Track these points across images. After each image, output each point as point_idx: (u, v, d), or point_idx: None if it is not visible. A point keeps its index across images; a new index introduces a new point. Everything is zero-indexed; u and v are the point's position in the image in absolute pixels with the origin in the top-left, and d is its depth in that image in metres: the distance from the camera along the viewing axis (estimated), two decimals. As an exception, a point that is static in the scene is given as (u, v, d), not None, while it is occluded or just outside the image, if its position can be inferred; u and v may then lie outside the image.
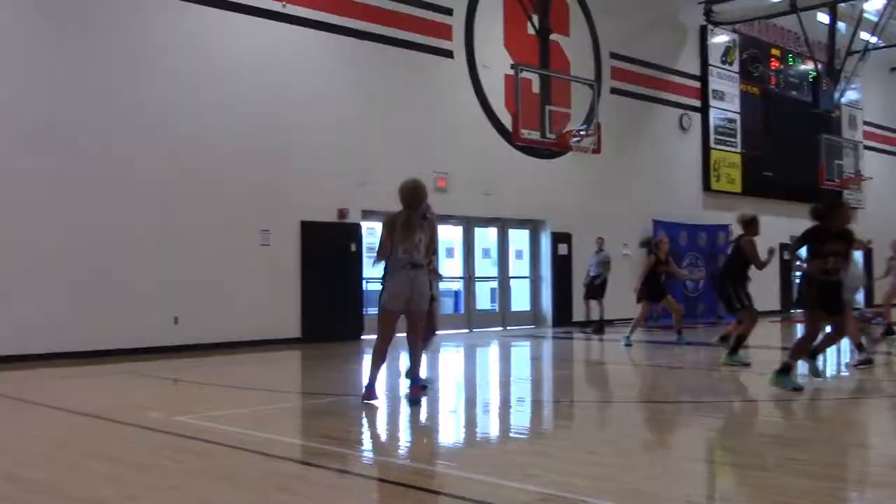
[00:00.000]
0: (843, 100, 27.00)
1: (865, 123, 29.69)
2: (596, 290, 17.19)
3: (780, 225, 25.41)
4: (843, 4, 24.59)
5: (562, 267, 18.97)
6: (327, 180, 15.36)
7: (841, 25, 25.92)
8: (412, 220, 7.61)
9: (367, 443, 6.76)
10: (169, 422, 6.99)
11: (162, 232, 13.47)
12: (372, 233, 16.67)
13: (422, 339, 8.06)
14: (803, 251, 9.04)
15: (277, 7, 14.91)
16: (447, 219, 17.66)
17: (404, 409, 8.06)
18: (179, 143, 13.73)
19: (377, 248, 7.93)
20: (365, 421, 7.66)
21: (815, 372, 9.30)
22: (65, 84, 12.67)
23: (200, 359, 12.46)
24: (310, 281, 15.09)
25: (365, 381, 8.12)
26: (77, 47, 12.88)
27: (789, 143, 25.14)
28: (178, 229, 13.59)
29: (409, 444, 6.62)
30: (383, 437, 7.05)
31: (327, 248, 15.28)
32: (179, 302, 13.46)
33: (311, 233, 15.15)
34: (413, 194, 7.73)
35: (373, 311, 16.41)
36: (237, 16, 14.48)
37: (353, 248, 15.79)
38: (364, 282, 16.13)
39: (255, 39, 14.70)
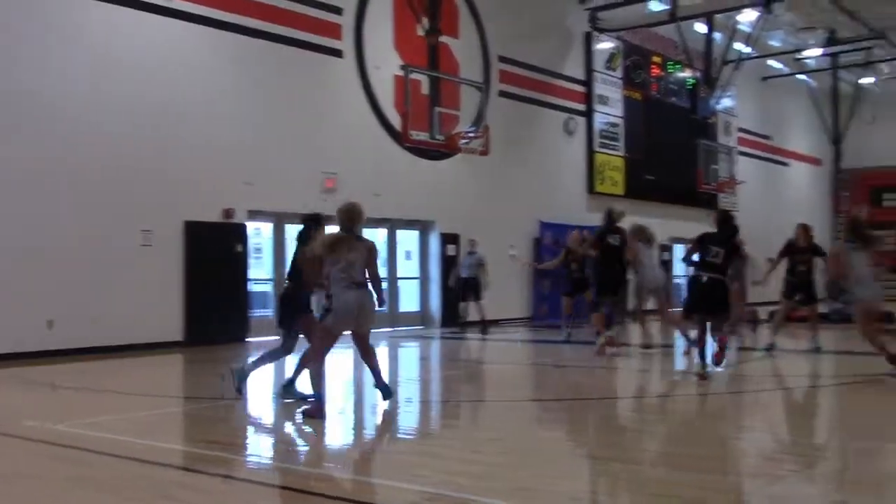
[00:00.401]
0: (719, 107, 28.12)
1: (739, 130, 31.03)
2: (472, 291, 17.31)
3: (661, 226, 26.32)
4: (719, 15, 25.60)
5: (450, 267, 19.09)
6: (212, 179, 15.01)
7: (717, 35, 26.98)
8: (343, 240, 7.79)
9: (252, 447, 6.65)
10: (45, 430, 6.70)
11: (35, 231, 12.89)
12: (258, 233, 16.41)
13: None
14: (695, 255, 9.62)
15: (163, 1, 14.48)
16: (336, 220, 17.54)
17: (290, 413, 7.95)
18: (55, 140, 13.17)
19: (312, 276, 7.88)
20: (250, 425, 7.54)
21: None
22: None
23: (79, 364, 11.99)
24: (194, 282, 14.71)
25: (304, 392, 7.99)
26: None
27: (669, 147, 26.05)
28: (53, 228, 13.02)
29: (295, 448, 6.55)
30: (269, 440, 6.94)
31: (212, 249, 14.93)
32: (55, 305, 12.90)
33: (196, 233, 14.77)
34: (346, 216, 8.08)
35: (259, 312, 16.26)
36: (121, 9, 13.99)
37: (239, 248, 15.47)
38: (250, 283, 15.84)
39: (140, 34, 14.23)
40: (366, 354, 7.96)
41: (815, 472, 5.46)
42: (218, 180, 15.09)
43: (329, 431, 7.31)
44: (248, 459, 6.10)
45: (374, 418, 7.91)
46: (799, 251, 12.38)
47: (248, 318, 15.62)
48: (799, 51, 31.62)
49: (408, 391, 9.95)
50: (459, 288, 17.47)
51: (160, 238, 14.35)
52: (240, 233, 15.51)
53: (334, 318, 7.48)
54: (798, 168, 35.49)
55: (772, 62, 32.93)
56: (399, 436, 7.11)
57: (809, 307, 12.52)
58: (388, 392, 7.82)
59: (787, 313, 12.82)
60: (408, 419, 7.97)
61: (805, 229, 12.62)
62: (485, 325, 17.02)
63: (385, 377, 8.08)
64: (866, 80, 34.04)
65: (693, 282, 9.57)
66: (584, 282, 14.07)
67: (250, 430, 7.37)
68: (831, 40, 30.67)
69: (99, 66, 13.77)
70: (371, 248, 7.77)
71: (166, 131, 14.45)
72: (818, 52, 31.74)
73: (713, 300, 9.36)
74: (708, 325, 9.48)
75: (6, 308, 12.40)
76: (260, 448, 6.64)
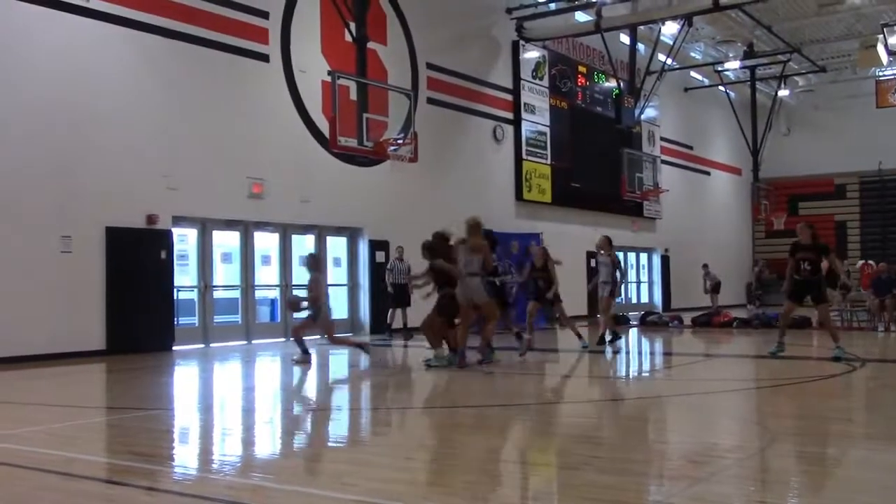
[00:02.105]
0: (643, 117, 28.71)
1: (662, 139, 31.73)
2: (400, 299, 17.29)
3: (587, 233, 26.73)
4: (642, 27, 26.16)
5: (379, 274, 19.02)
6: (135, 185, 14.70)
7: (641, 47, 27.56)
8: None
9: (177, 457, 6.51)
10: (-45, 443, 6.45)
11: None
12: (183, 240, 16.12)
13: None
14: None
15: (81, 1, 14.13)
16: (263, 226, 17.36)
17: (218, 421, 7.82)
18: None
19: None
20: (175, 435, 7.39)
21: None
22: None
23: (-8, 374, 11.58)
24: (116, 290, 14.37)
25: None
26: None
27: (595, 156, 26.46)
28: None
29: (222, 458, 6.44)
30: (195, 450, 6.81)
31: (136, 256, 14.61)
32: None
33: (118, 239, 14.44)
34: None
35: (185, 320, 15.96)
36: (35, 7, 13.61)
37: (164, 255, 15.18)
38: (176, 291, 15.53)
39: (56, 34, 13.86)
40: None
41: (738, 473, 5.59)
42: (141, 185, 14.78)
43: (257, 440, 7.21)
44: (174, 470, 5.97)
45: (303, 426, 7.83)
46: (803, 249, 12.10)
47: (173, 326, 15.32)
48: (719, 63, 32.54)
49: (338, 399, 9.87)
50: (394, 295, 17.44)
51: (80, 244, 13.98)
52: (165, 239, 15.21)
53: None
54: (719, 177, 36.46)
55: (693, 74, 33.83)
56: (329, 444, 7.05)
57: (820, 308, 12.08)
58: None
59: (790, 313, 12.56)
60: (338, 427, 7.91)
61: (808, 227, 12.33)
62: (409, 333, 17.01)
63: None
64: (783, 93, 35.18)
65: None
66: (543, 291, 14.03)
67: (175, 440, 7.22)
68: (749, 53, 31.64)
69: (15, 66, 13.36)
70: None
71: (87, 135, 14.10)
72: (737, 64, 32.72)
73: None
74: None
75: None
76: (185, 458, 6.51)
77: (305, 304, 12.89)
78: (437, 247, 11.84)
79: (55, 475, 5.45)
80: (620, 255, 29.53)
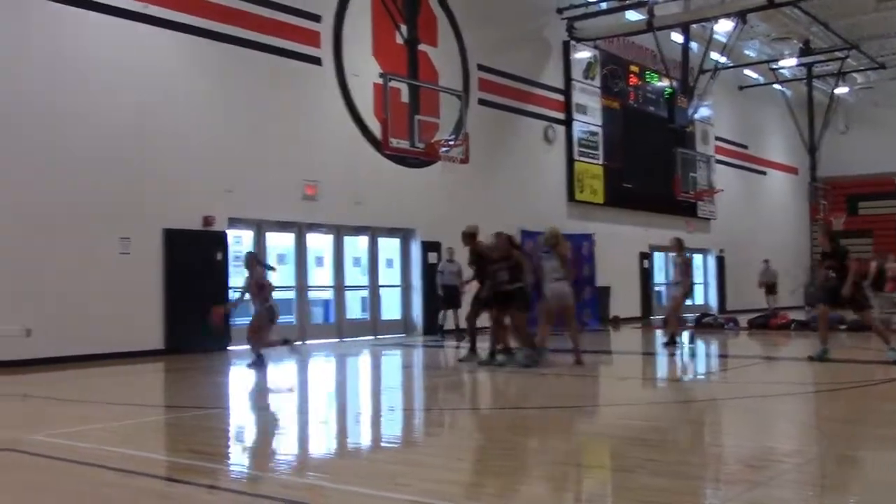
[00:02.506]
0: (696, 116, 28.37)
1: (717, 139, 31.30)
2: (451, 300, 17.22)
3: (640, 234, 26.51)
4: (695, 25, 25.85)
5: (431, 275, 19.07)
6: (192, 187, 14.96)
7: (693, 45, 27.23)
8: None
9: (234, 456, 6.62)
10: (20, 440, 6.62)
11: (13, 239, 12.77)
12: (238, 241, 16.34)
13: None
14: None
15: (139, 7, 14.42)
16: (317, 227, 17.53)
17: (274, 421, 7.93)
18: (32, 148, 13.08)
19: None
20: (232, 434, 7.51)
21: None
22: None
23: (57, 372, 11.88)
24: (174, 290, 14.64)
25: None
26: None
27: (648, 156, 26.22)
28: (31, 237, 12.92)
29: (279, 457, 6.52)
30: (252, 449, 6.91)
31: (192, 257, 14.86)
32: (33, 313, 12.78)
33: (175, 241, 14.70)
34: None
35: (240, 321, 16.14)
36: (97, 15, 13.94)
37: (220, 256, 15.41)
38: (230, 291, 15.75)
39: (116, 41, 14.18)
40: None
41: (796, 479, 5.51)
42: (198, 188, 15.04)
43: (313, 440, 7.29)
44: (232, 468, 6.07)
45: (357, 427, 7.89)
46: (826, 257, 12.14)
47: (229, 327, 15.53)
48: (774, 60, 31.99)
49: (391, 399, 9.93)
50: (444, 297, 17.45)
51: (139, 246, 14.27)
52: (220, 240, 15.44)
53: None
54: (775, 176, 35.85)
55: (748, 72, 33.31)
56: (383, 444, 7.10)
57: (861, 315, 12.22)
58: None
59: (826, 317, 12.60)
60: (391, 427, 7.96)
61: (825, 234, 12.37)
62: (462, 334, 16.99)
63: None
64: (840, 90, 34.47)
65: None
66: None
67: (232, 438, 7.33)
68: (806, 50, 31.06)
69: (79, 74, 13.69)
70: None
71: (146, 139, 14.40)
72: (793, 61, 32.15)
73: None
74: None
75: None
76: (242, 457, 6.61)
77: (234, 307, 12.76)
78: (501, 246, 12.05)
79: (118, 472, 5.57)
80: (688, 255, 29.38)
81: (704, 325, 21.41)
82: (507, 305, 11.78)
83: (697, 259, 30.82)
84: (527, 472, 5.73)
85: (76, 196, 13.48)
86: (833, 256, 11.92)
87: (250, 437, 7.45)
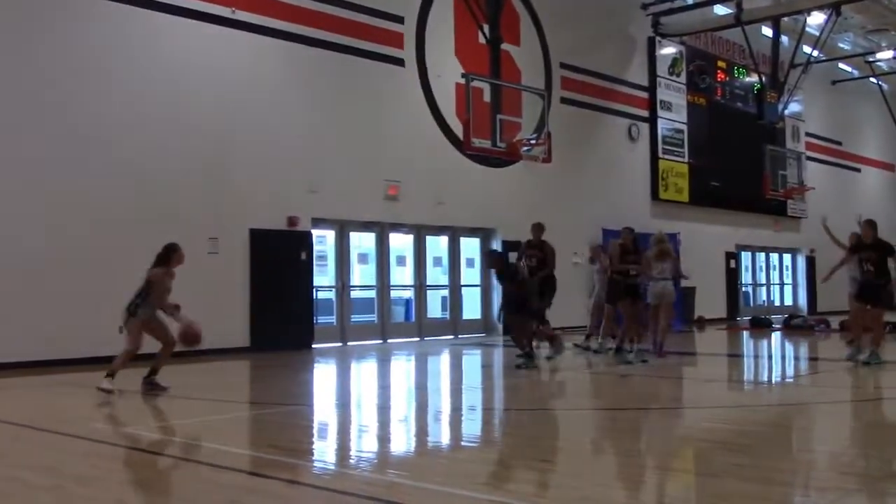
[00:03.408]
0: (787, 112, 27.53)
1: (808, 135, 30.34)
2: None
3: (727, 233, 25.90)
4: (786, 19, 25.11)
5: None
6: (276, 188, 15.23)
7: (784, 39, 26.46)
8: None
9: (316, 452, 6.70)
10: (113, 433, 6.84)
11: (106, 240, 13.21)
12: (322, 241, 16.58)
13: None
14: None
15: (226, 13, 14.76)
16: (398, 227, 17.65)
17: (355, 418, 8.00)
18: (124, 151, 13.51)
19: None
20: (314, 431, 7.61)
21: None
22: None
23: (147, 369, 12.21)
24: (259, 289, 14.93)
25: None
26: (12, 53, 12.58)
27: (735, 153, 25.58)
28: (122, 238, 13.33)
29: (359, 454, 6.58)
30: (334, 446, 6.99)
31: (277, 257, 15.14)
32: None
33: (261, 241, 15.00)
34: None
35: (323, 319, 16.42)
36: (184, 21, 14.30)
37: (304, 256, 15.66)
38: (315, 291, 16.00)
39: (203, 45, 14.53)
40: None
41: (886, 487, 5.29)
42: (282, 189, 15.30)
43: (393, 437, 7.33)
44: (314, 464, 6.15)
45: (437, 425, 7.91)
46: (864, 248, 11.82)
47: (313, 325, 15.78)
48: (870, 53, 30.85)
49: (471, 399, 9.93)
50: None
51: (226, 246, 14.60)
52: (304, 240, 15.69)
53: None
54: (870, 174, 34.56)
55: (841, 65, 32.19)
56: (463, 443, 7.09)
57: (873, 311, 11.93)
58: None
59: (858, 316, 12.27)
60: (471, 426, 7.95)
61: (870, 225, 12.05)
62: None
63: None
64: (941, 83, 33.07)
65: None
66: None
67: (315, 435, 7.43)
68: (904, 42, 29.88)
69: (167, 78, 14.08)
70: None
71: (232, 141, 14.71)
72: (890, 54, 30.92)
73: None
74: None
75: (83, 314, 12.75)
76: (324, 453, 6.69)
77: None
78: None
79: (204, 466, 5.70)
80: (762, 255, 28.53)
81: (793, 326, 20.82)
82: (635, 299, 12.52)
83: (787, 259, 29.98)
84: (609, 475, 5.64)
85: (165, 197, 13.84)
86: (875, 248, 11.56)
87: (332, 433, 7.53)
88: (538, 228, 13.32)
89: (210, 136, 14.45)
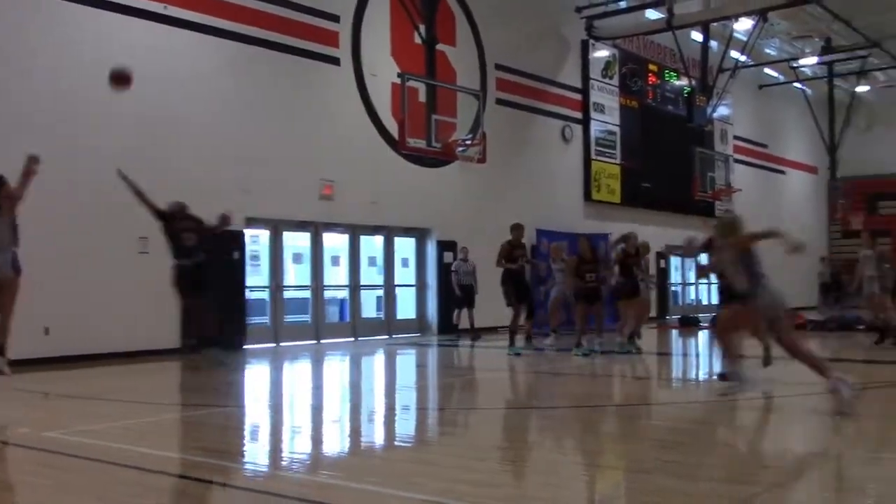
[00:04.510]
0: (715, 115, 28.15)
1: (735, 138, 31.08)
2: (466, 299, 17.29)
3: (657, 234, 26.35)
4: (715, 24, 25.66)
5: (447, 275, 19.06)
6: (209, 187, 14.97)
7: (713, 44, 27.04)
8: None
9: (248, 454, 6.62)
10: (37, 437, 6.66)
11: (31, 238, 12.82)
12: (255, 240, 16.39)
13: None
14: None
15: (158, 8, 14.48)
16: (333, 227, 17.54)
17: (287, 419, 7.93)
18: (53, 147, 13.10)
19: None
20: (245, 432, 7.52)
21: None
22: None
23: (74, 371, 11.94)
24: (190, 289, 14.65)
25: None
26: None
27: (665, 155, 26.07)
28: (49, 236, 12.98)
29: (291, 455, 6.52)
30: (266, 448, 6.92)
31: (210, 256, 14.86)
32: (50, 312, 12.85)
33: (192, 240, 14.71)
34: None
35: (256, 319, 16.23)
36: (114, 16, 13.99)
37: (236, 255, 15.44)
38: (248, 291, 15.79)
39: (134, 41, 14.22)
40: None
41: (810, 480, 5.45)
42: (216, 187, 15.06)
43: (326, 438, 7.28)
44: (245, 466, 6.07)
45: (371, 425, 7.88)
46: None
47: (245, 326, 15.58)
48: (795, 59, 31.74)
49: (405, 399, 9.92)
50: (461, 296, 17.45)
51: (157, 245, 14.29)
52: (237, 240, 15.47)
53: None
54: (794, 176, 35.57)
55: (768, 70, 33.07)
56: (397, 443, 7.08)
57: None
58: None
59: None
60: (405, 427, 7.95)
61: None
62: (476, 333, 17.00)
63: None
64: (862, 89, 34.16)
65: None
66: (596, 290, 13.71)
67: (246, 436, 7.34)
68: (827, 49, 30.80)
69: (93, 73, 13.75)
70: None
71: (162, 138, 14.44)
72: (813, 60, 31.88)
73: None
74: None
75: (2, 315, 12.35)
76: (257, 455, 6.61)
77: None
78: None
79: (132, 469, 5.58)
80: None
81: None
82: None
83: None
84: (542, 473, 5.69)
85: (96, 195, 13.52)
86: None
87: (263, 435, 7.45)
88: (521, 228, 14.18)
89: (140, 134, 14.15)
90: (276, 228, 16.59)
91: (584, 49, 23.86)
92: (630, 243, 14.10)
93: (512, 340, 13.68)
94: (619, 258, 13.90)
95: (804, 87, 33.98)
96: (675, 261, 27.95)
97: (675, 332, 20.47)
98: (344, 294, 18.18)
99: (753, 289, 7.76)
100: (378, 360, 14.58)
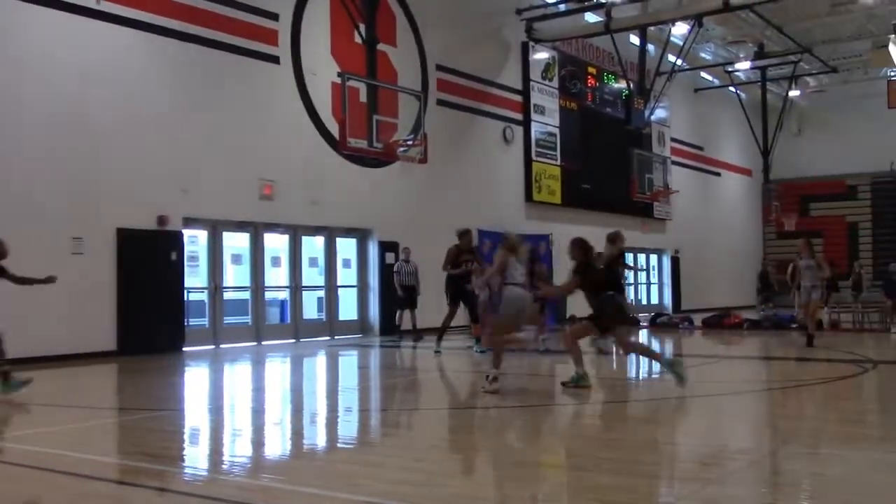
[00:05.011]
0: (653, 118, 28.65)
1: (672, 140, 31.64)
2: (408, 300, 17.21)
3: (597, 234, 26.64)
4: (652, 28, 26.09)
5: (389, 276, 19.03)
6: (146, 186, 14.74)
7: (650, 48, 27.49)
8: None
9: (187, 458, 6.53)
10: (-33, 444, 6.48)
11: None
12: (194, 241, 16.16)
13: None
14: None
15: (91, 3, 14.18)
16: (273, 227, 17.39)
17: (227, 422, 7.84)
18: (-19, 144, 12.80)
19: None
20: (185, 436, 7.41)
21: None
22: None
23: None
24: (127, 291, 14.41)
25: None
26: None
27: (605, 157, 26.42)
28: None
29: (232, 458, 6.45)
30: (205, 451, 6.83)
31: (147, 257, 14.65)
32: (-20, 314, 12.50)
33: (129, 240, 14.47)
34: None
35: (195, 321, 16.01)
36: (45, 10, 13.66)
37: (174, 256, 15.21)
38: (186, 292, 15.57)
39: (68, 37, 13.92)
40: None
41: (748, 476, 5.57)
42: (153, 187, 14.83)
43: (267, 441, 7.22)
44: (184, 471, 5.98)
45: (313, 427, 7.84)
46: None
47: (184, 328, 15.36)
48: (729, 63, 32.44)
49: (347, 400, 9.88)
50: (403, 297, 17.35)
51: (92, 246, 14.03)
52: (175, 240, 15.25)
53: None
54: (730, 178, 36.35)
55: (704, 74, 33.75)
56: (339, 445, 7.05)
57: None
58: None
59: None
60: (347, 428, 7.92)
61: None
62: (418, 334, 16.98)
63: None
64: (793, 93, 35.06)
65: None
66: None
67: (185, 440, 7.24)
68: (760, 54, 31.55)
69: (24, 69, 13.42)
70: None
71: (98, 137, 14.15)
72: (747, 65, 32.64)
73: None
74: None
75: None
76: (195, 459, 6.52)
77: None
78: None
79: (66, 476, 5.47)
80: (630, 256, 29.58)
81: (659, 324, 21.66)
82: None
83: (653, 259, 31.16)
84: (482, 472, 5.72)
85: (28, 194, 13.21)
86: None
87: (203, 438, 7.35)
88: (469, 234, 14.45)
89: (74, 132, 13.85)
90: (215, 228, 16.38)
91: (525, 51, 24.04)
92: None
93: (439, 339, 14.04)
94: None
95: (738, 91, 34.75)
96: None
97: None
98: (285, 295, 18.03)
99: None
100: (320, 362, 14.49)
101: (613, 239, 13.25)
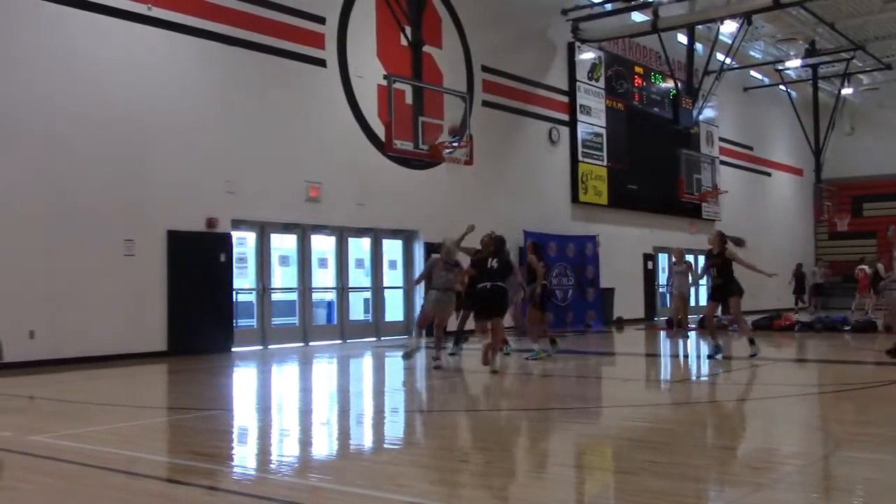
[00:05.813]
0: (701, 117, 28.31)
1: (721, 140, 31.23)
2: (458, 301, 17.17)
3: (644, 236, 26.46)
4: (700, 27, 25.80)
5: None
6: (195, 189, 14.96)
7: (698, 46, 27.18)
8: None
9: (237, 458, 6.61)
10: (23, 441, 6.63)
11: (17, 242, 12.78)
12: (242, 242, 16.35)
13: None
14: None
15: (143, 9, 14.43)
16: (320, 229, 17.52)
17: (276, 422, 7.92)
18: (35, 149, 13.09)
19: None
20: (234, 435, 7.50)
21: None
22: None
23: (60, 374, 11.89)
24: (177, 292, 14.63)
25: None
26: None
27: (652, 157, 26.16)
28: (35, 239, 12.93)
29: (280, 458, 6.51)
30: (254, 451, 6.90)
31: (196, 258, 14.86)
32: (36, 315, 12.80)
33: (179, 242, 14.70)
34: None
35: (243, 322, 16.20)
36: (99, 17, 13.93)
37: (223, 258, 15.41)
38: (235, 293, 15.76)
39: (119, 42, 14.18)
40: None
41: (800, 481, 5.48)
42: (201, 190, 15.04)
43: (315, 441, 7.28)
44: (234, 470, 6.06)
45: (360, 428, 7.88)
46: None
47: (232, 328, 15.54)
48: (779, 62, 31.94)
49: (394, 401, 9.92)
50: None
51: (143, 247, 14.27)
52: (224, 242, 15.44)
53: None
54: (780, 178, 35.77)
55: (753, 73, 33.25)
56: (385, 446, 7.08)
57: None
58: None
59: None
60: (394, 429, 7.95)
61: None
62: (463, 335, 16.91)
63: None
64: (846, 91, 34.39)
65: None
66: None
67: (235, 440, 7.32)
68: (811, 51, 31.01)
69: (82, 75, 13.70)
70: None
71: (150, 140, 14.40)
72: (798, 62, 32.09)
73: None
74: None
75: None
76: (245, 458, 6.60)
77: None
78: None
79: (120, 474, 5.56)
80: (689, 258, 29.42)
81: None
82: None
83: (702, 260, 30.72)
84: (528, 474, 5.70)
85: (81, 197, 13.48)
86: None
87: (252, 438, 7.43)
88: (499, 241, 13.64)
89: (126, 136, 14.11)
90: (263, 230, 16.56)
91: (570, 51, 23.92)
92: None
93: (456, 341, 13.93)
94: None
95: (789, 90, 34.18)
96: (662, 262, 28.04)
97: (662, 334, 20.55)
98: (331, 296, 18.16)
99: None
100: (366, 363, 14.56)
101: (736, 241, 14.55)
